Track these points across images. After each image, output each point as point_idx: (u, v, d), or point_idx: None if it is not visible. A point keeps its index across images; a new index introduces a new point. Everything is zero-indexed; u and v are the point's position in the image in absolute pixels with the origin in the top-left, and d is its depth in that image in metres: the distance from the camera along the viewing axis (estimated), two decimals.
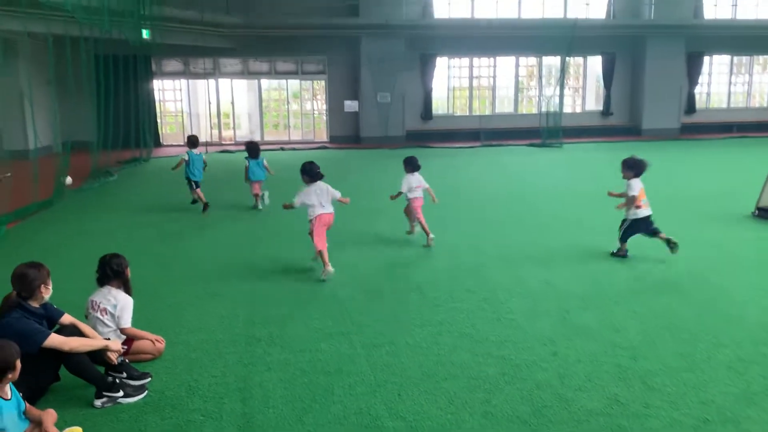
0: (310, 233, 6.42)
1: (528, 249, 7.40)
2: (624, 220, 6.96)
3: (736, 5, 25.10)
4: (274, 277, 6.36)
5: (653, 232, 6.86)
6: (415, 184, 7.79)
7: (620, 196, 7.08)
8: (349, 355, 4.46)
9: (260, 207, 10.08)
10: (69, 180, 11.00)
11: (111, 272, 4.35)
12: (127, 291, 4.41)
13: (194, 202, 10.38)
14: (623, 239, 6.96)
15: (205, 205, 9.92)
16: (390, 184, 12.82)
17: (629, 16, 23.86)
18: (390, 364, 4.32)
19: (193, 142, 10.49)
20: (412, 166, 7.87)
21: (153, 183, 13.67)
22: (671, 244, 6.71)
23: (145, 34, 16.89)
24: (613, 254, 6.99)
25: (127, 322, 4.31)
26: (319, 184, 6.47)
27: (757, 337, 4.68)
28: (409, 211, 7.99)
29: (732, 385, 3.95)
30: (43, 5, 10.09)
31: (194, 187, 10.16)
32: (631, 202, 6.81)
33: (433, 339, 4.74)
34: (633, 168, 6.97)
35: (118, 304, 4.29)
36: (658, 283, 6.04)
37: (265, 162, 10.36)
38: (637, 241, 6.94)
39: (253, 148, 10.30)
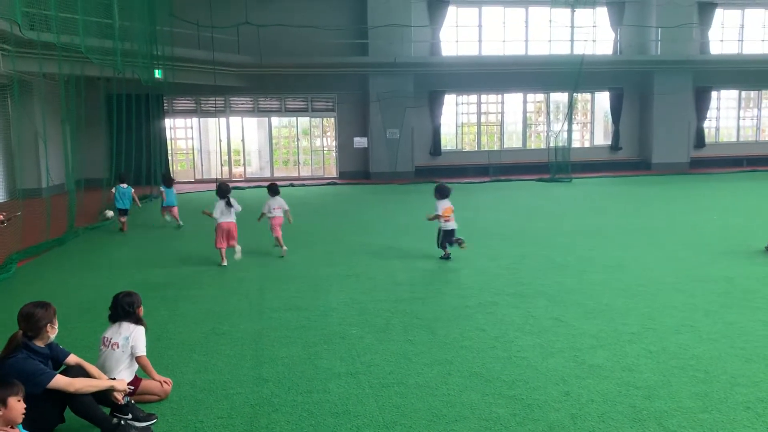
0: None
1: (539, 286, 7.32)
2: (438, 230, 8.97)
3: (742, 41, 25.31)
4: (282, 316, 6.31)
5: (455, 242, 8.90)
6: (275, 206, 9.54)
7: (433, 218, 9.00)
8: (357, 396, 4.38)
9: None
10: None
11: (122, 311, 4.34)
12: (139, 323, 4.42)
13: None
14: (441, 246, 8.94)
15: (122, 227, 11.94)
16: (398, 219, 12.89)
17: (636, 52, 24.11)
18: (399, 405, 4.24)
19: (122, 178, 12.58)
20: (272, 191, 9.74)
21: (156, 220, 13.72)
22: (460, 243, 8.82)
23: (158, 73, 17.23)
24: (441, 258, 8.87)
25: (142, 350, 4.32)
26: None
27: None
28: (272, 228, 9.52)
29: (751, 426, 3.84)
30: (57, 47, 10.31)
31: (121, 214, 12.12)
32: (436, 217, 8.91)
33: (443, 379, 4.65)
34: (438, 192, 9.10)
35: (131, 335, 4.28)
36: (671, 320, 5.93)
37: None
38: (654, 282, 6.86)
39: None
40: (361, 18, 22.48)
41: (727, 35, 25.30)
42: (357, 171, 23.32)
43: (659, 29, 23.57)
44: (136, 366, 4.38)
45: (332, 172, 24.05)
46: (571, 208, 14.58)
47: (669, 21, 23.28)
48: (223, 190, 9.00)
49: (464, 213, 13.80)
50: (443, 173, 22.94)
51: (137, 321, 4.39)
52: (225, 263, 8.74)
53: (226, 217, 8.89)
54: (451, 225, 8.91)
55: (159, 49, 16.88)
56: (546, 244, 9.98)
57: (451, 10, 23.29)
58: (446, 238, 8.90)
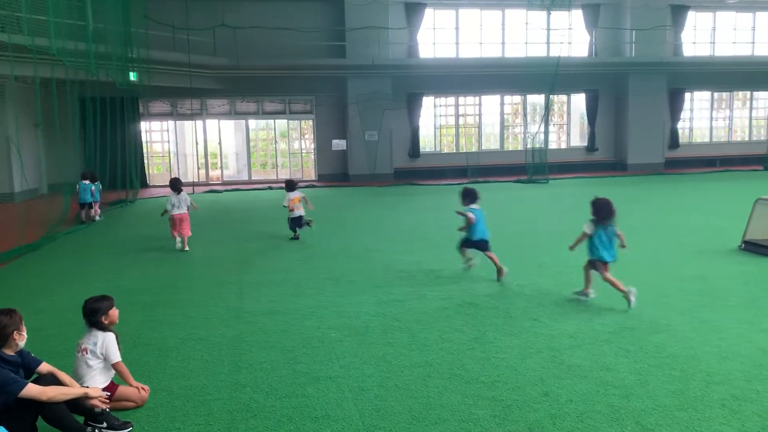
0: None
1: (517, 287, 7.36)
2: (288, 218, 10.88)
3: (714, 43, 25.75)
4: (260, 320, 6.25)
5: (304, 224, 10.82)
6: (177, 203, 10.28)
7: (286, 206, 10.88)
8: (336, 400, 4.35)
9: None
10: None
11: (88, 319, 4.26)
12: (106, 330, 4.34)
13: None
14: (292, 229, 10.84)
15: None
16: (376, 222, 12.87)
17: (611, 54, 24.40)
18: (379, 408, 4.22)
19: (83, 176, 13.65)
20: (175, 188, 10.43)
21: (139, 224, 13.56)
22: (309, 224, 10.85)
23: (133, 76, 17.02)
24: (291, 238, 10.74)
25: (116, 357, 4.24)
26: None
27: (749, 373, 4.63)
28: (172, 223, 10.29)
29: (726, 424, 3.88)
30: (29, 49, 10.13)
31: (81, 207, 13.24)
32: (289, 206, 10.75)
33: (423, 381, 4.64)
34: (287, 186, 11.08)
35: (99, 341, 4.21)
36: (648, 320, 5.99)
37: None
38: (629, 281, 6.92)
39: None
40: (338, 20, 22.45)
41: (700, 37, 25.73)
42: (336, 173, 23.27)
43: (633, 31, 23.90)
44: (112, 372, 4.30)
45: (311, 174, 23.97)
46: (548, 208, 14.69)
47: (643, 23, 23.61)
48: (175, 184, 10.39)
49: (443, 214, 13.85)
50: (422, 175, 23.01)
51: (103, 328, 4.30)
52: (178, 246, 10.15)
53: (177, 209, 10.15)
54: (298, 213, 10.79)
55: (134, 51, 16.67)
56: (523, 244, 10.04)
57: (429, 13, 23.37)
58: (293, 223, 10.86)
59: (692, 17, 25.12)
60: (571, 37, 24.14)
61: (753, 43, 26.09)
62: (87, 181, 13.65)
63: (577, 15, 24.17)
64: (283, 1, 22.01)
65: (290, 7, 22.07)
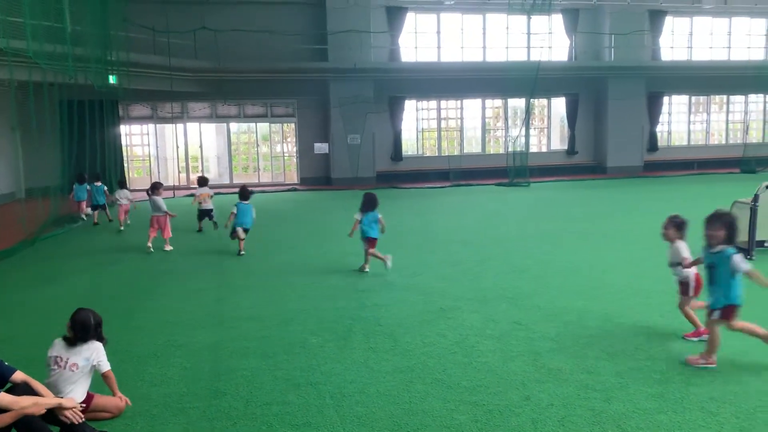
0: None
1: (499, 290, 7.37)
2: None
3: (691, 48, 26.10)
4: (241, 326, 6.20)
5: (212, 218, 12.30)
6: (122, 195, 12.86)
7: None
8: (317, 407, 4.32)
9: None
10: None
11: (88, 331, 4.16)
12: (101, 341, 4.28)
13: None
14: (199, 219, 12.41)
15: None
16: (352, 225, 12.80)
17: (590, 58, 24.61)
18: (360, 414, 4.19)
19: (97, 177, 14.34)
20: (120, 185, 13.25)
21: (117, 228, 13.39)
22: (215, 226, 12.21)
23: (112, 79, 16.82)
24: (197, 231, 12.32)
25: (107, 366, 4.21)
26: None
27: (727, 375, 4.68)
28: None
29: (705, 426, 3.91)
30: (4, 51, 9.97)
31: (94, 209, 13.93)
32: (198, 199, 12.31)
33: (405, 386, 4.63)
34: (199, 182, 12.63)
35: (92, 355, 4.13)
36: (628, 322, 6.03)
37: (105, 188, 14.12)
38: (610, 284, 6.98)
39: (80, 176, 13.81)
40: (320, 23, 22.40)
41: (677, 42, 26.07)
42: (318, 177, 23.19)
43: (612, 36, 24.13)
44: (89, 383, 4.22)
45: (293, 178, 23.87)
46: (529, 212, 14.76)
47: (621, 28, 23.85)
48: (152, 187, 10.78)
49: (425, 218, 13.88)
50: (404, 178, 23.01)
51: (99, 337, 4.24)
52: (150, 247, 10.34)
53: (155, 211, 10.52)
54: (206, 206, 12.27)
55: (113, 54, 16.47)
56: (505, 248, 10.07)
57: (410, 17, 23.40)
58: (201, 215, 12.32)
59: (670, 22, 25.43)
60: (551, 42, 24.33)
61: (729, 48, 26.47)
62: (99, 183, 14.21)
63: (557, 20, 24.34)
64: (265, 4, 21.89)
65: (272, 10, 21.97)
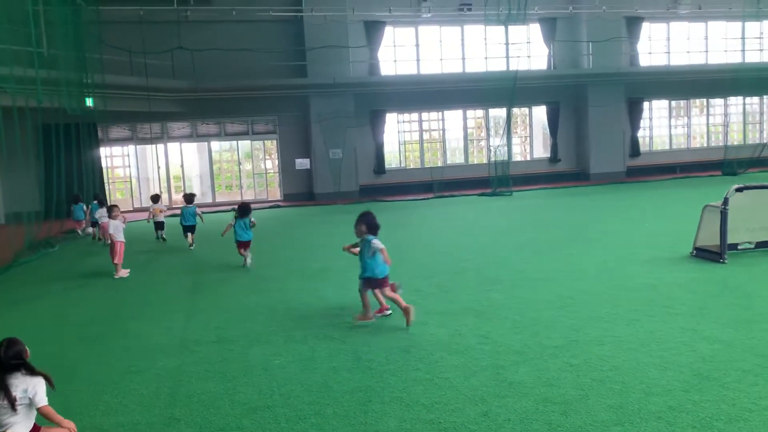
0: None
1: (469, 302, 7.31)
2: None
3: (669, 53, 26.33)
4: (205, 349, 6.10)
5: (162, 233, 14.08)
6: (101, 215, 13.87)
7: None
8: (271, 431, 4.23)
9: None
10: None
11: (10, 365, 4.03)
12: (35, 374, 4.12)
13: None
14: (156, 230, 14.19)
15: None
16: (336, 240, 12.70)
17: (569, 66, 24.78)
18: None
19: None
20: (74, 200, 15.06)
21: (93, 253, 13.27)
22: (163, 239, 13.92)
23: (89, 102, 16.76)
24: (156, 238, 14.09)
25: (43, 401, 4.00)
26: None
27: (688, 383, 4.63)
28: None
29: None
30: None
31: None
32: (153, 213, 14.01)
33: (362, 406, 4.55)
34: (153, 199, 14.49)
35: (28, 388, 4.00)
36: (595, 332, 5.98)
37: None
38: (582, 293, 6.94)
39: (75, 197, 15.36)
40: (298, 40, 22.46)
41: (655, 48, 26.30)
42: (301, 192, 23.16)
43: (590, 43, 24.32)
44: (34, 415, 4.11)
45: (276, 194, 23.82)
46: (510, 221, 14.76)
47: (599, 35, 24.06)
48: (107, 206, 11.96)
49: (406, 231, 13.83)
50: (388, 191, 23.00)
51: (32, 371, 4.09)
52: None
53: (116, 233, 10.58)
54: (160, 218, 14.06)
55: (88, 76, 16.43)
56: (481, 259, 10.04)
57: (388, 30, 23.51)
58: (157, 227, 14.12)
59: (647, 28, 25.68)
60: (529, 51, 24.49)
61: (706, 51, 26.74)
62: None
63: (535, 29, 24.54)
64: (242, 23, 21.93)
65: (249, 28, 22.01)
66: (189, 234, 12.93)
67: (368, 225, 6.56)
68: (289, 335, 6.40)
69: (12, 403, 3.89)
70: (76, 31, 15.33)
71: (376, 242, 6.45)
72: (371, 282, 6.54)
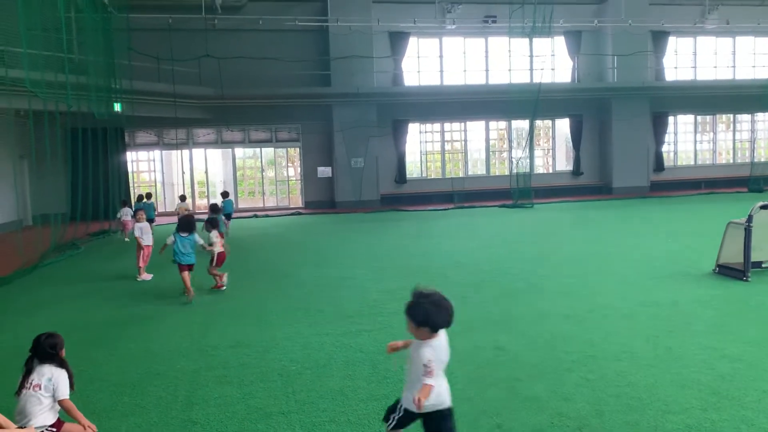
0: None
1: (488, 314, 7.30)
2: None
3: (695, 67, 26.07)
4: (222, 354, 6.18)
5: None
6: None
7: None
8: None
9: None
10: None
11: (44, 353, 4.18)
12: (63, 367, 4.25)
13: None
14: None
15: None
16: (356, 249, 12.78)
17: (593, 79, 24.64)
18: None
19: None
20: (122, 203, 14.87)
21: (118, 255, 13.47)
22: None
23: (117, 107, 17.07)
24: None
25: (64, 394, 4.12)
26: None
27: (706, 402, 4.58)
28: None
29: None
30: (3, 81, 10.16)
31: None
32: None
33: (377, 415, 4.57)
34: (180, 198, 15.83)
35: (53, 377, 4.12)
36: (613, 347, 5.94)
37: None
38: (600, 307, 6.89)
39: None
40: (323, 49, 22.66)
41: (681, 62, 26.05)
42: (322, 200, 23.28)
43: (615, 57, 24.17)
44: (58, 408, 4.21)
45: (298, 202, 23.97)
46: (530, 234, 14.69)
47: (624, 49, 23.90)
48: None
49: (425, 241, 13.83)
50: (408, 201, 23.03)
51: (60, 364, 4.24)
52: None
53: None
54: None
55: (117, 82, 16.75)
56: (500, 271, 10.00)
57: (413, 41, 23.62)
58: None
59: (673, 42, 25.46)
60: (553, 64, 24.42)
61: (734, 67, 26.42)
62: (149, 200, 16.72)
63: (560, 42, 24.48)
64: (268, 32, 22.19)
65: (275, 37, 22.27)
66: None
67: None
68: (306, 342, 6.45)
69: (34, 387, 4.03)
70: (106, 38, 15.66)
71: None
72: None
